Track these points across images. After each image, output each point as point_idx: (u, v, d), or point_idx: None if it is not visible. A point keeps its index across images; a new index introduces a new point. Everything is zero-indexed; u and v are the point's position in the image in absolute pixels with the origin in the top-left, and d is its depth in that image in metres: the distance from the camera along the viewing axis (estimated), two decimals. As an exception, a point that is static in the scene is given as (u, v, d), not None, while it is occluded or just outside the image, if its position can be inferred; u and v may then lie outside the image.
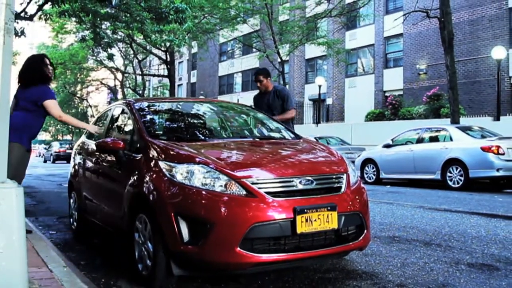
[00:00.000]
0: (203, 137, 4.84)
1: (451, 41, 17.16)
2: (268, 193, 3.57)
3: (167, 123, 5.27)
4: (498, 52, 19.75)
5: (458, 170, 12.58)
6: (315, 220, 3.59)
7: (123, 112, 5.31)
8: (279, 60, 28.90)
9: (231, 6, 28.87)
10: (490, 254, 4.93)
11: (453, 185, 12.62)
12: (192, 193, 3.56)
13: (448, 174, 12.79)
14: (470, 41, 24.66)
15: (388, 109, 26.75)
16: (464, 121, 17.99)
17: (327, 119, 33.01)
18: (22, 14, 14.00)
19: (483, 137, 13.14)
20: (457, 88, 17.67)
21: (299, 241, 3.60)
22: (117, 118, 5.49)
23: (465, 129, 13.66)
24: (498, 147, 12.20)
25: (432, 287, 3.84)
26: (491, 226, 6.62)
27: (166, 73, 34.80)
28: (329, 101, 33.22)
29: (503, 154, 12.16)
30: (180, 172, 3.68)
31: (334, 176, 3.99)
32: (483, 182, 13.09)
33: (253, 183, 3.58)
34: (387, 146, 14.91)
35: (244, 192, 3.54)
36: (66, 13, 14.48)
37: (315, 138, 17.58)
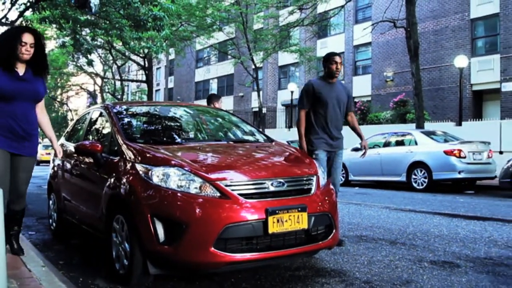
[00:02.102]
0: (179, 140, 4.82)
1: (416, 50, 17.41)
2: (241, 194, 3.58)
3: (144, 126, 5.23)
4: (461, 61, 20.09)
5: (423, 172, 12.77)
6: (286, 221, 3.61)
7: (101, 115, 5.26)
8: (253, 66, 28.94)
9: (207, 14, 28.81)
10: (451, 252, 5.01)
11: (417, 187, 12.81)
12: (167, 195, 3.55)
13: (413, 176, 12.98)
14: (434, 50, 25.03)
15: (357, 114, 26.98)
16: (428, 126, 18.24)
17: (299, 124, 33.12)
18: (3, 20, 13.78)
19: (446, 141, 13.36)
20: (422, 95, 17.94)
21: (270, 241, 3.62)
22: (95, 121, 5.44)
23: (429, 134, 13.88)
24: (460, 150, 12.43)
25: (397, 284, 3.88)
26: (453, 226, 6.73)
27: (144, 78, 34.58)
28: (301, 106, 33.36)
29: (465, 157, 12.39)
30: (156, 174, 3.67)
31: (304, 178, 4.02)
32: (446, 184, 13.30)
33: (226, 185, 3.58)
34: (356, 149, 14.97)
35: (218, 194, 3.54)
36: (46, 20, 14.26)
37: (287, 141, 17.63)
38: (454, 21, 24.45)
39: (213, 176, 3.63)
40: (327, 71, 5.87)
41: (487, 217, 7.58)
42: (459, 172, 12.30)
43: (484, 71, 23.10)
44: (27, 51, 4.04)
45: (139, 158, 3.94)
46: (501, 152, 15.96)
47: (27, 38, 4.04)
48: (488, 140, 13.74)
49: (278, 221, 3.57)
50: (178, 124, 5.48)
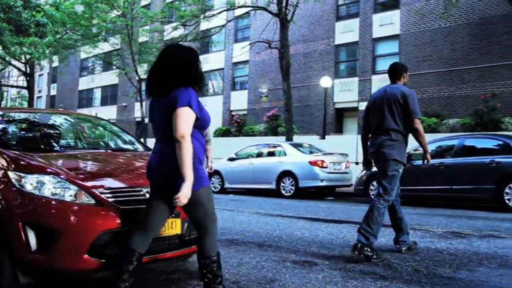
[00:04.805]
0: (58, 148, 4.59)
1: (288, 70, 18.17)
2: (117, 202, 3.48)
3: (21, 133, 4.89)
4: (325, 82, 21.26)
5: (290, 180, 13.28)
6: (160, 227, 3.58)
7: (-26, 121, 4.84)
8: (137, 78, 28.32)
9: (93, 24, 27.73)
10: (311, 252, 5.26)
11: (286, 194, 13.30)
12: (41, 203, 3.34)
13: (282, 184, 13.46)
14: (304, 71, 26.16)
15: (233, 126, 27.41)
16: (296, 139, 19.01)
17: (180, 134, 32.92)
18: None
19: (311, 152, 14.02)
20: (292, 110, 18.73)
21: None
22: (-32, 127, 4.99)
23: (297, 146, 14.49)
24: (323, 161, 13.12)
25: (262, 283, 3.99)
26: (314, 228, 7.07)
27: (25, 84, 32.33)
28: (183, 117, 33.23)
29: (327, 167, 13.10)
30: (30, 182, 3.44)
31: (179, 186, 4.01)
32: (310, 191, 13.94)
33: (102, 193, 3.46)
34: (231, 159, 15.29)
35: (93, 201, 3.41)
36: None
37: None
38: (321, 45, 25.81)
39: (89, 183, 3.49)
40: (407, 80, 5.43)
41: (343, 220, 8.08)
42: (322, 181, 12.98)
43: (345, 91, 24.63)
44: None
45: (12, 166, 3.67)
46: (357, 163, 17.05)
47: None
48: (347, 152, 14.66)
49: (152, 227, 3.52)
50: (58, 132, 5.20)
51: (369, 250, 4.83)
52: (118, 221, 3.41)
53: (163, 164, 3.16)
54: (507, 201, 9.71)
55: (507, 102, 18.18)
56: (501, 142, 10.37)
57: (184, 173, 2.99)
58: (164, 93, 3.14)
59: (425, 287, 3.90)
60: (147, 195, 3.66)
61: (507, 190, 9.72)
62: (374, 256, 4.84)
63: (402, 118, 5.09)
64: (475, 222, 8.01)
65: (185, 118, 3.02)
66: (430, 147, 11.57)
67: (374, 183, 11.75)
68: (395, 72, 5.38)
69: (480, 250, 5.43)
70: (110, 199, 3.46)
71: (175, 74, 3.14)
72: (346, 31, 24.90)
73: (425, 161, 5.23)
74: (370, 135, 5.41)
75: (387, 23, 23.28)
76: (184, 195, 2.99)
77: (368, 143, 5.44)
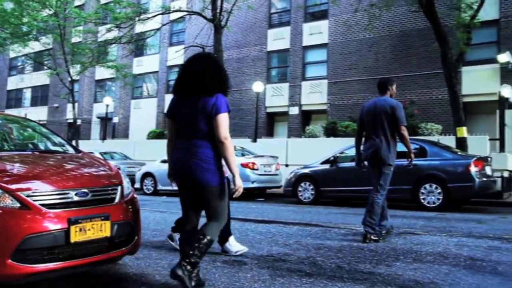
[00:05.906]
0: (-18, 150, 4.34)
1: (221, 75, 18.11)
2: (43, 205, 3.34)
3: None
4: (258, 86, 21.43)
5: (223, 182, 13.26)
6: (89, 230, 3.47)
7: None
8: (69, 79, 27.27)
9: (23, 22, 26.36)
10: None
11: (218, 195, 13.25)
12: None
13: (215, 185, 13.39)
14: (237, 76, 26.23)
15: (167, 129, 27.03)
16: (229, 141, 18.99)
17: (113, 136, 32.07)
18: None
19: (243, 155, 14.09)
20: (225, 114, 18.66)
21: (73, 250, 3.43)
22: None
23: (230, 148, 14.49)
24: (254, 163, 13.23)
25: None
26: (244, 229, 7.11)
27: None
28: (115, 119, 32.39)
29: (257, 169, 13.23)
30: (-51, 185, 3.24)
31: (109, 188, 3.91)
32: (242, 192, 13.97)
33: (28, 196, 3.31)
34: (164, 161, 15.03)
35: (18, 205, 3.25)
36: None
37: (100, 153, 16.97)
38: (254, 51, 26.04)
39: (13, 186, 3.33)
40: (394, 92, 6.53)
41: (272, 220, 8.18)
42: (252, 182, 13.08)
43: (276, 96, 24.97)
44: None
45: None
46: (287, 165, 17.36)
47: None
48: (277, 155, 14.86)
49: (80, 230, 3.41)
50: (-18, 133, 4.93)
51: (375, 236, 5.90)
52: (44, 225, 3.28)
53: (191, 160, 3.59)
54: (422, 201, 10.24)
55: (424, 109, 19.19)
56: (417, 146, 10.89)
57: (232, 167, 3.64)
58: (200, 95, 3.62)
59: (347, 282, 4.02)
60: (76, 198, 3.54)
61: (422, 190, 10.25)
62: (380, 239, 5.96)
63: (390, 126, 6.02)
64: (394, 220, 8.34)
65: (227, 123, 3.57)
66: (354, 151, 12.02)
67: (303, 184, 11.99)
68: (381, 87, 6.46)
69: (397, 246, 5.69)
70: (36, 202, 3.32)
71: (222, 81, 3.74)
72: (278, 39, 25.27)
73: (409, 159, 6.18)
74: (363, 140, 6.35)
75: (316, 32, 23.86)
76: (239, 186, 3.71)
77: (361, 147, 6.36)
